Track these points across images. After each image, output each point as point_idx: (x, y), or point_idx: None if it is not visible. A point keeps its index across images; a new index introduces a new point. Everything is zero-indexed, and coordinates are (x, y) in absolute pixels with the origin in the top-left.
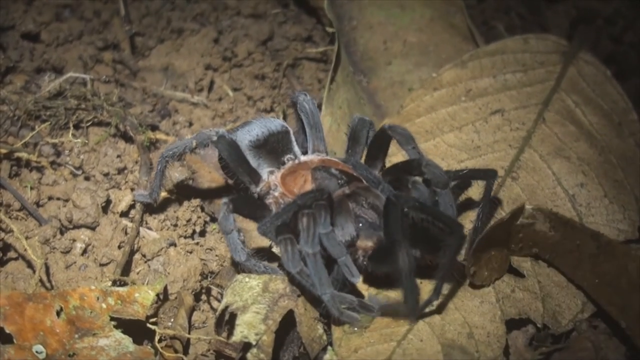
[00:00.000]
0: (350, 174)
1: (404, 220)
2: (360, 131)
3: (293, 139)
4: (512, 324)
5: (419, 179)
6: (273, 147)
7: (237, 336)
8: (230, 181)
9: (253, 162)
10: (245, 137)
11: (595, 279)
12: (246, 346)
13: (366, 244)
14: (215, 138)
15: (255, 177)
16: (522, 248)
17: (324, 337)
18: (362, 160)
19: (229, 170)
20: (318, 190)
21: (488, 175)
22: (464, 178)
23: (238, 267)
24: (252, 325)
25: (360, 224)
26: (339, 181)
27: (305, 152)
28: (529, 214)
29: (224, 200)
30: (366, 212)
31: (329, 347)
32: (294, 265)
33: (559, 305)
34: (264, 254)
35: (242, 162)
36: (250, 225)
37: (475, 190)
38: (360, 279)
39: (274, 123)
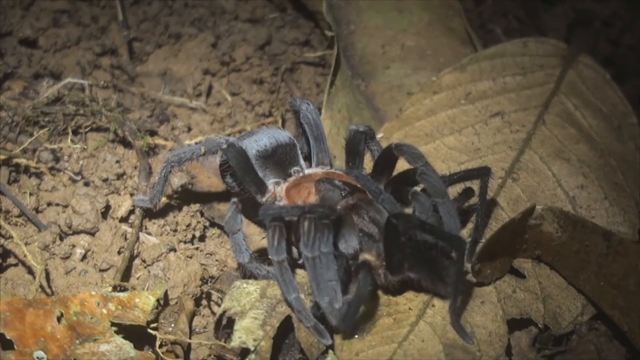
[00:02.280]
0: (353, 185)
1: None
2: (357, 144)
3: (299, 151)
4: (515, 325)
5: (418, 189)
6: (280, 159)
7: (235, 342)
8: (233, 190)
9: (259, 172)
10: (252, 147)
11: (599, 282)
12: (244, 352)
13: (365, 257)
14: (225, 146)
15: (262, 187)
16: (526, 249)
17: None
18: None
19: (235, 178)
20: (327, 206)
21: (482, 173)
22: (459, 180)
23: (240, 269)
24: (250, 331)
25: (362, 237)
26: (342, 192)
27: (306, 159)
28: (537, 214)
29: (233, 200)
30: (367, 225)
31: (330, 351)
32: (277, 253)
33: (559, 307)
34: (265, 258)
35: (250, 171)
36: (252, 230)
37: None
38: (341, 305)
39: (282, 135)
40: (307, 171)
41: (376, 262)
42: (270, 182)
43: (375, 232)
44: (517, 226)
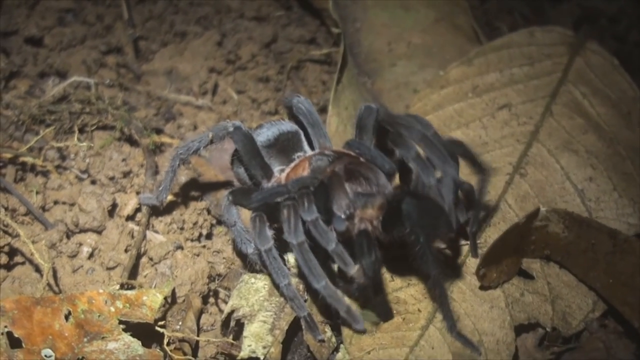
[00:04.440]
0: (345, 153)
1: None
2: (366, 119)
3: (303, 138)
4: (522, 325)
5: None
6: (283, 146)
7: (245, 351)
8: (242, 182)
9: (266, 160)
10: (257, 139)
11: (609, 279)
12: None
13: (365, 212)
14: (231, 129)
15: (268, 172)
16: (534, 250)
17: (333, 339)
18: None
19: (243, 163)
20: (309, 177)
21: (483, 172)
22: (465, 157)
23: (246, 260)
24: (259, 337)
25: (355, 196)
26: (329, 159)
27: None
28: (543, 216)
29: (225, 193)
30: (360, 183)
31: (342, 345)
32: (262, 242)
33: (569, 306)
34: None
35: (256, 155)
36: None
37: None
38: (354, 270)
39: (285, 124)
40: (308, 154)
41: (372, 214)
42: (276, 170)
43: (368, 188)
44: (521, 229)
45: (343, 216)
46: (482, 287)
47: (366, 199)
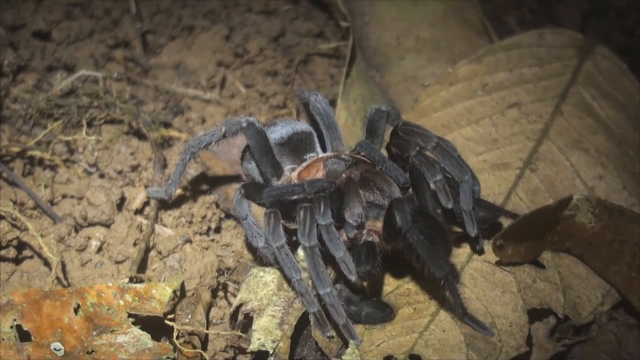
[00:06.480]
0: (360, 159)
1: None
2: (377, 122)
3: (316, 140)
4: (533, 316)
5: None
6: (296, 145)
7: (254, 344)
8: (251, 178)
9: (277, 158)
10: (270, 136)
11: (631, 272)
12: (262, 354)
13: (375, 224)
14: (245, 124)
15: (278, 170)
16: (556, 241)
17: None
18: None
19: (254, 159)
20: (324, 179)
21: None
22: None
23: (256, 254)
24: (268, 331)
25: (368, 206)
26: (346, 163)
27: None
28: (572, 205)
29: (237, 187)
30: (374, 193)
31: (351, 341)
32: (274, 239)
33: (579, 297)
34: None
35: (268, 153)
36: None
37: None
38: (356, 277)
39: (299, 124)
40: (320, 155)
41: (381, 227)
42: (287, 168)
43: (381, 200)
44: (551, 214)
45: (354, 224)
46: (497, 262)
47: (378, 211)
